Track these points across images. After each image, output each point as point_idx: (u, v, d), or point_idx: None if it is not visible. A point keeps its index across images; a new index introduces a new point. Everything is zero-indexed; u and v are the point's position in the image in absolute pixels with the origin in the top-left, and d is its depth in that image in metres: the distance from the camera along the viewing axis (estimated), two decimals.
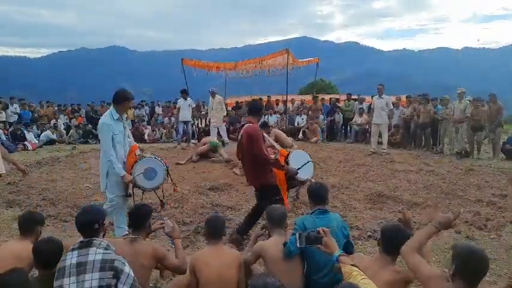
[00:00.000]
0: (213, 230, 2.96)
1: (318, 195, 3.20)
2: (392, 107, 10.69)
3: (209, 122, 12.51)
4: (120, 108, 4.28)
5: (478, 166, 8.61)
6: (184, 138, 12.30)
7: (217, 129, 11.71)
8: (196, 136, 13.92)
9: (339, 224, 3.06)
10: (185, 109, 11.74)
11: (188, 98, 11.79)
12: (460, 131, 10.02)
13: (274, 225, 3.10)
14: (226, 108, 16.51)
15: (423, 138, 11.41)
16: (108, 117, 4.19)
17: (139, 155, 4.45)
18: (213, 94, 11.71)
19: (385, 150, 10.28)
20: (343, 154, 10.28)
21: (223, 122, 12.05)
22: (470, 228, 4.84)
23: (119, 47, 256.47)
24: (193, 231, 4.76)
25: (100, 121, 4.23)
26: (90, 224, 2.48)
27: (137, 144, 4.71)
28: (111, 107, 4.29)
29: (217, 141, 9.72)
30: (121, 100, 4.27)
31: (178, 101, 12.23)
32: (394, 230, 2.53)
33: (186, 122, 11.91)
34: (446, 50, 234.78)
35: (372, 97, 12.22)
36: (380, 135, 10.63)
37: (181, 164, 8.79)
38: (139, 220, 2.98)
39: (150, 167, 4.39)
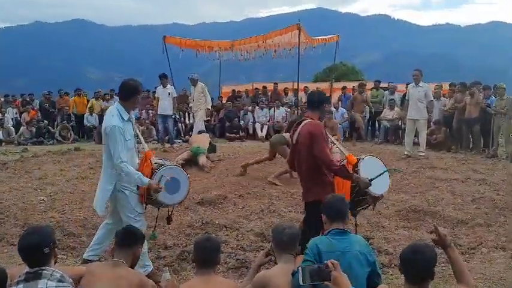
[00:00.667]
0: (203, 256, 2.97)
1: (335, 209, 3.22)
2: (432, 98, 10.72)
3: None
4: (129, 105, 4.22)
5: None
6: (167, 137, 12.30)
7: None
8: (182, 134, 13.97)
9: (362, 249, 3.07)
10: (164, 99, 11.71)
11: (168, 85, 11.80)
12: None
13: (281, 249, 3.12)
14: (221, 99, 16.60)
15: (470, 137, 11.42)
16: (117, 118, 4.08)
17: (156, 163, 4.39)
18: (193, 81, 11.71)
19: (423, 154, 10.29)
20: None
21: (206, 115, 12.05)
22: None
23: (83, 21, 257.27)
24: (177, 257, 4.77)
25: (107, 123, 4.10)
26: (39, 248, 2.47)
27: (151, 150, 4.62)
28: (116, 104, 4.23)
29: (200, 146, 9.67)
30: (131, 94, 4.20)
31: (157, 89, 12.25)
32: (411, 252, 2.53)
33: (165, 117, 11.88)
34: (501, 25, 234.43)
35: (407, 85, 12.27)
36: (416, 134, 10.64)
37: None
38: (129, 241, 3.05)
39: (173, 178, 4.34)
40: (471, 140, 11.45)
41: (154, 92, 16.21)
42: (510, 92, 11.40)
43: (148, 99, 16.27)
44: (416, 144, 10.77)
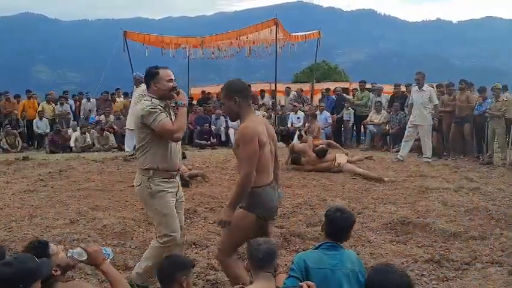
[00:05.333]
0: (168, 277, 2.97)
1: (337, 227, 3.24)
2: (437, 101, 11.04)
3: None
4: None
5: None
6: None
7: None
8: None
9: (354, 267, 3.09)
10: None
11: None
12: None
13: (258, 267, 3.12)
14: (191, 101, 16.51)
15: (462, 141, 11.62)
16: None
17: None
18: (137, 81, 11.18)
19: (429, 160, 10.66)
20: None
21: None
22: None
23: (32, 15, 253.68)
24: None
25: None
26: (12, 283, 2.43)
27: None
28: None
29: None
30: None
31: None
32: (380, 272, 2.58)
33: None
34: (497, 22, 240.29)
35: (406, 87, 12.58)
36: (418, 140, 11.05)
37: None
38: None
39: None
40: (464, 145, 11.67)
41: (113, 94, 16.09)
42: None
43: (107, 103, 16.14)
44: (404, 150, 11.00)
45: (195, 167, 10.26)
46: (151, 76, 4.11)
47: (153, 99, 4.03)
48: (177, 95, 4.10)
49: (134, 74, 11.58)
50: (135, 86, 11.44)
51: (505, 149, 10.84)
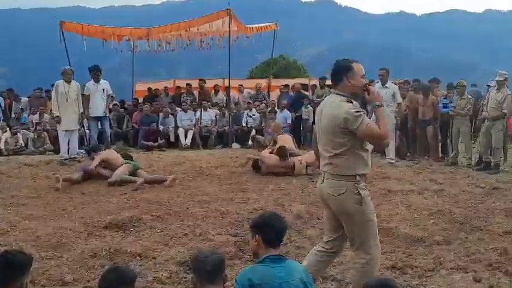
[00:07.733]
0: None
1: (273, 232, 3.26)
2: (400, 100, 11.11)
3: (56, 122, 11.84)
4: None
5: (506, 183, 9.06)
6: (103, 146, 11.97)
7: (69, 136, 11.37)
8: (86, 143, 13.61)
9: (302, 276, 3.15)
10: (97, 98, 11.55)
11: (102, 81, 11.66)
12: (494, 134, 10.27)
13: (206, 281, 3.10)
14: (137, 102, 16.28)
15: (427, 142, 11.87)
16: None
17: None
18: (68, 75, 11.26)
19: (392, 161, 10.82)
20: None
21: (80, 123, 11.54)
22: (494, 274, 5.09)
23: None
24: None
25: None
26: None
27: None
28: None
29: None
30: None
31: (87, 84, 11.89)
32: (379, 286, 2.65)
33: (98, 119, 11.79)
34: (462, 14, 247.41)
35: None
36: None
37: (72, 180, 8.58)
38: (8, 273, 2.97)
39: None
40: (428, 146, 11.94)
41: (49, 91, 15.73)
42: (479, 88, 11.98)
43: (41, 100, 15.75)
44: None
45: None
46: (344, 69, 4.05)
47: (353, 101, 3.95)
48: (368, 94, 4.04)
49: (68, 67, 11.47)
50: (64, 81, 11.24)
51: (470, 148, 11.13)
